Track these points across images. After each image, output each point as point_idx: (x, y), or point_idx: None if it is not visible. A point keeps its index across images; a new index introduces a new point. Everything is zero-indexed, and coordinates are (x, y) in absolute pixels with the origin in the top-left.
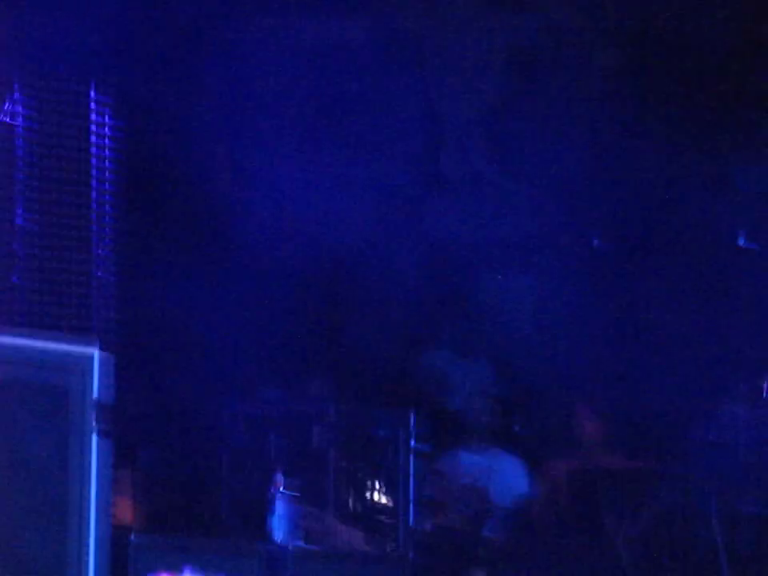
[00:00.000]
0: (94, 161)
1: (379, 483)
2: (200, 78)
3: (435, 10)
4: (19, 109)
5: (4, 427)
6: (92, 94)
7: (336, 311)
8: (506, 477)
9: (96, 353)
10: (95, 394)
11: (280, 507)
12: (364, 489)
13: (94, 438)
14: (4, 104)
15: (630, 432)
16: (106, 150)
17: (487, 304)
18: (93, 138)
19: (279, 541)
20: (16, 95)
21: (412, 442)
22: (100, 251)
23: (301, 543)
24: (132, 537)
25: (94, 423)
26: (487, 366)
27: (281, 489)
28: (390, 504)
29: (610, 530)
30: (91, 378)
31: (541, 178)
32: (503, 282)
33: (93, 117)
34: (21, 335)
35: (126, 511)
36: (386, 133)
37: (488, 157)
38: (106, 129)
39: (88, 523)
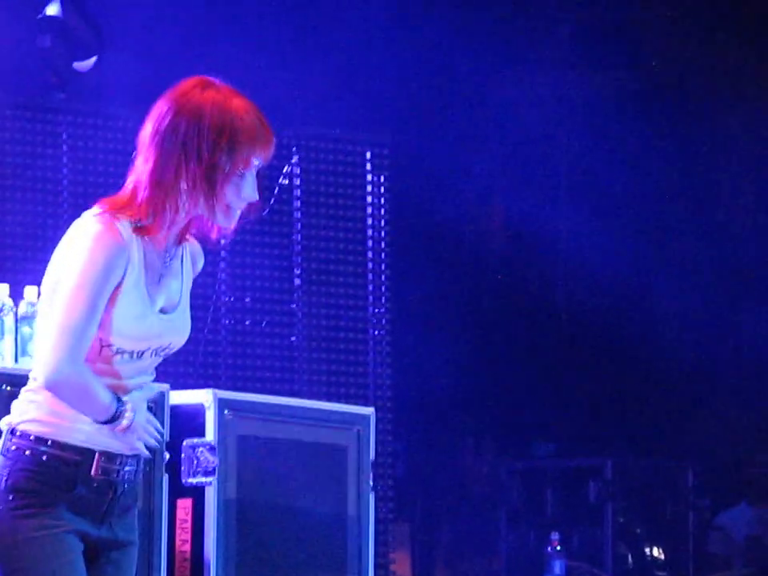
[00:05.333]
0: (369, 220)
1: (657, 538)
2: (471, 132)
3: None
4: (297, 171)
5: (288, 484)
6: (367, 154)
7: (610, 365)
8: None
9: (372, 413)
10: (371, 454)
11: (556, 565)
12: (641, 544)
13: (371, 495)
14: (283, 167)
15: None
16: (382, 210)
17: None
18: (368, 198)
19: None
20: (294, 157)
21: (691, 496)
22: (374, 310)
23: None
24: None
25: (370, 482)
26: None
27: (556, 546)
28: (669, 560)
29: None
30: (368, 437)
31: None
32: None
33: (368, 177)
34: (300, 397)
35: (403, 566)
36: None
37: None
38: (382, 189)
39: None
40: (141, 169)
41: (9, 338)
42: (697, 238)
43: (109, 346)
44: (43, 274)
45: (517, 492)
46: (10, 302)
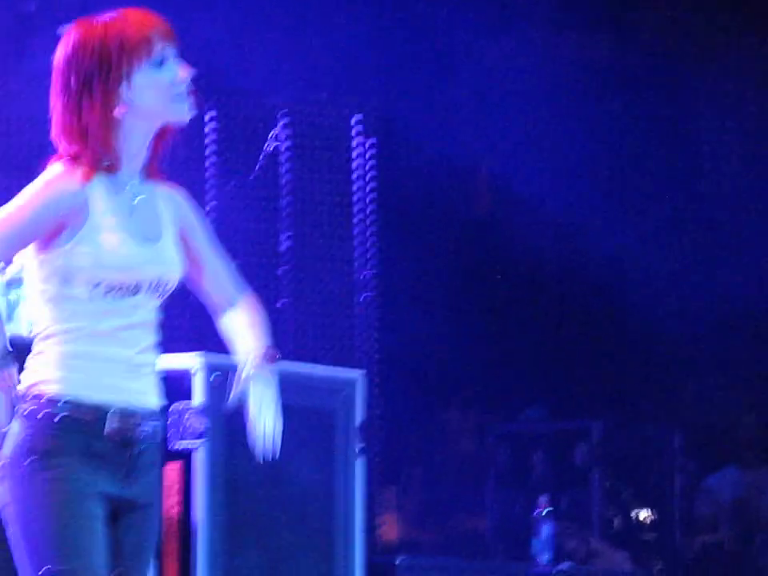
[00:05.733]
0: (355, 185)
1: (644, 502)
2: (457, 97)
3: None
4: (283, 135)
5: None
6: (354, 118)
7: (598, 328)
8: None
9: (359, 377)
10: (358, 417)
11: (544, 528)
12: (629, 508)
13: (359, 460)
14: (270, 131)
15: None
16: (368, 174)
17: None
18: (354, 163)
19: (543, 563)
20: (281, 122)
21: (677, 460)
22: (362, 274)
23: (565, 565)
24: (398, 559)
25: (357, 445)
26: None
27: (544, 509)
28: (656, 523)
29: None
30: (354, 401)
31: None
32: None
33: (354, 141)
34: (288, 361)
35: (391, 530)
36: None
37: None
38: (368, 153)
39: (353, 544)
40: (69, 120)
41: None
42: (683, 200)
43: (97, 284)
44: None
45: (504, 455)
46: None
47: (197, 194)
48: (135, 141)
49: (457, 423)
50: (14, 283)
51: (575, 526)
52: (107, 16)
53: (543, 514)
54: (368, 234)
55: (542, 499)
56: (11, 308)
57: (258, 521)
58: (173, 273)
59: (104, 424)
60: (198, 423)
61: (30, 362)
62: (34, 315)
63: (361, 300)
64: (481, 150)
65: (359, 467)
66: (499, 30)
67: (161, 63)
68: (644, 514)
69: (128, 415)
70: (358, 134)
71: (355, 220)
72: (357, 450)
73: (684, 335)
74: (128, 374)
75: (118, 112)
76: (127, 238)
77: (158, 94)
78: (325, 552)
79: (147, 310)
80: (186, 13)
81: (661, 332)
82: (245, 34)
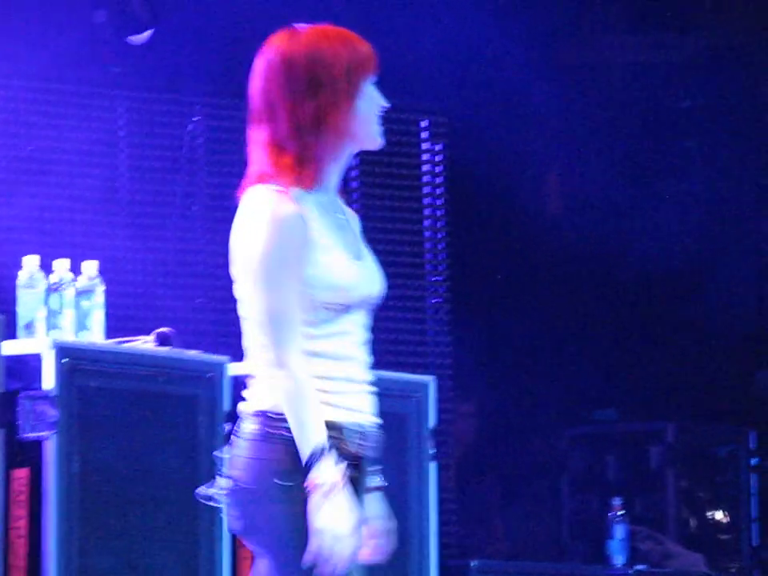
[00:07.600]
0: (426, 189)
1: (719, 502)
2: (528, 103)
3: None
4: None
5: None
6: (421, 123)
7: (670, 328)
8: None
9: (431, 381)
10: (431, 422)
11: (618, 530)
12: (704, 509)
13: (432, 464)
14: None
15: None
16: (437, 179)
17: None
18: (425, 167)
19: (618, 564)
20: None
21: (752, 460)
22: (433, 278)
23: (641, 567)
24: (472, 562)
25: (430, 450)
26: None
27: (619, 511)
28: (732, 524)
29: None
30: (427, 405)
31: None
32: None
33: (424, 146)
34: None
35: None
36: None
37: None
38: (436, 158)
39: (428, 547)
40: (275, 130)
41: (69, 311)
42: None
43: (326, 306)
44: (100, 249)
45: (578, 458)
46: (70, 276)
47: None
48: (342, 158)
49: (529, 426)
50: (86, 292)
51: (650, 528)
52: (332, 30)
53: (617, 515)
54: (437, 239)
55: (617, 501)
56: (83, 316)
57: None
58: (381, 288)
59: (341, 441)
60: None
61: (262, 380)
62: (254, 341)
63: (431, 305)
64: (550, 153)
65: (432, 471)
66: (576, 29)
67: (372, 90)
68: (719, 515)
69: (361, 434)
70: (425, 139)
71: (425, 224)
72: (429, 454)
73: (759, 331)
74: (358, 392)
75: (329, 126)
76: (345, 255)
77: (372, 111)
78: (399, 555)
79: (365, 328)
80: (245, 20)
81: (733, 330)
82: None
